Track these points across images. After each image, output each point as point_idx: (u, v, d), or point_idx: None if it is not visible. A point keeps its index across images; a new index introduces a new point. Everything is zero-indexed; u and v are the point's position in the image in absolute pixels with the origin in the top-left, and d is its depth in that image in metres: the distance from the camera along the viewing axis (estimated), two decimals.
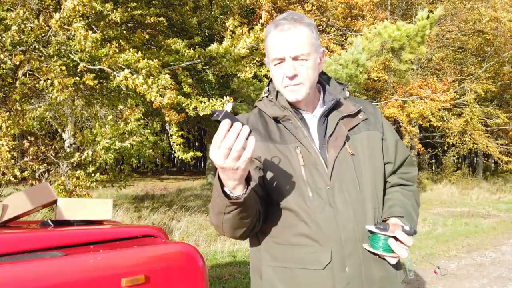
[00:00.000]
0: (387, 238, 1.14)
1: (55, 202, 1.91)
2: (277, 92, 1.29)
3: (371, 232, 1.17)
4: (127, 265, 1.42)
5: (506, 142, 18.40)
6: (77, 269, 1.30)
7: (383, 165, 1.29)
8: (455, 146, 18.06)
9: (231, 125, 0.93)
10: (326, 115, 1.26)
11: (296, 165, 1.18)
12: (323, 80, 1.35)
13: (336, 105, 1.27)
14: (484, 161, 24.32)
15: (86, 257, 1.36)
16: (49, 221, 1.89)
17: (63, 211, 1.87)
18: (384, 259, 1.19)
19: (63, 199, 1.91)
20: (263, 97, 1.33)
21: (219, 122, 0.94)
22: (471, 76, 17.00)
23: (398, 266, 1.26)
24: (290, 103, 1.25)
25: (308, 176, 1.17)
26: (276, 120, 1.27)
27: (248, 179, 1.03)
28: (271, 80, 1.34)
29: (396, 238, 1.14)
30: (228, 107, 0.97)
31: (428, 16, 8.00)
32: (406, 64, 8.90)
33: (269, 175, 1.19)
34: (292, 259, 1.17)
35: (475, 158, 25.65)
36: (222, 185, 1.02)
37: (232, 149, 0.92)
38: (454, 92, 14.56)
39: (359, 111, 1.28)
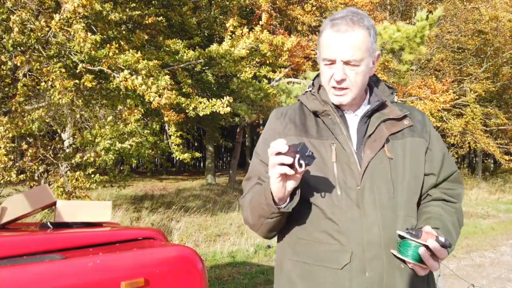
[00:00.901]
0: (418, 246, 1.06)
1: (54, 204, 1.90)
2: (320, 86, 1.28)
3: (401, 237, 1.11)
4: (127, 268, 1.42)
5: (506, 141, 18.43)
6: (76, 273, 1.30)
7: (423, 174, 1.22)
8: (454, 146, 18.07)
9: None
10: (368, 115, 1.23)
11: (328, 162, 1.17)
12: (371, 81, 1.31)
13: (381, 107, 1.23)
14: (484, 161, 24.33)
15: (85, 260, 1.35)
16: (48, 223, 1.89)
17: (62, 213, 1.87)
18: (413, 270, 1.12)
19: (62, 201, 1.91)
20: (306, 91, 1.32)
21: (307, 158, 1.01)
22: (470, 76, 17.02)
23: (426, 281, 1.19)
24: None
25: (339, 174, 1.15)
26: (316, 114, 1.25)
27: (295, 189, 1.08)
28: (317, 75, 1.32)
29: (428, 248, 1.06)
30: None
31: (427, 17, 8.01)
32: (405, 65, 8.90)
33: None
34: (311, 255, 1.16)
35: (474, 158, 25.66)
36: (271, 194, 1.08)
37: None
38: (454, 92, 14.58)
39: (404, 117, 1.23)
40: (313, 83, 1.32)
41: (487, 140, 16.39)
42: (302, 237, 1.19)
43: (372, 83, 1.30)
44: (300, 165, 0.99)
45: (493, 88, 17.01)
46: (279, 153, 1.00)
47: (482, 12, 15.08)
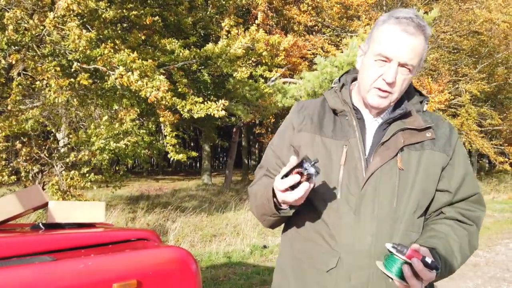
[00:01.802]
0: (403, 262, 1.02)
1: (46, 205, 1.88)
2: (343, 84, 1.24)
3: (389, 251, 1.07)
4: (119, 270, 1.40)
5: (501, 142, 18.54)
6: (67, 275, 1.27)
7: (434, 190, 1.16)
8: None
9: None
10: (389, 123, 1.17)
11: (335, 164, 1.14)
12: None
13: (404, 115, 1.17)
14: (479, 161, 24.48)
15: (76, 262, 1.33)
16: (40, 224, 1.86)
17: (54, 214, 1.84)
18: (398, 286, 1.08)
19: (55, 202, 1.88)
20: (332, 87, 1.27)
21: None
22: (465, 77, 17.11)
23: None
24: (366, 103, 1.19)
25: (344, 178, 1.13)
26: (335, 112, 1.22)
27: None
28: (346, 72, 1.27)
29: (412, 266, 1.00)
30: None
31: (422, 18, 8.03)
32: None
33: None
34: (304, 252, 1.18)
35: (469, 159, 25.77)
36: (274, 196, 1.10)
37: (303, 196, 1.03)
38: (449, 93, 14.65)
39: (427, 128, 1.16)
40: (339, 79, 1.27)
41: (482, 141, 16.49)
42: (300, 233, 1.21)
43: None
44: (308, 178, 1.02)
45: (488, 89, 17.11)
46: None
47: (476, 13, 15.15)
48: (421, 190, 1.13)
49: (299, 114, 1.27)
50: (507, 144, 18.05)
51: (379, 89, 1.12)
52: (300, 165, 1.00)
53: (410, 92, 1.24)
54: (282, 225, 1.31)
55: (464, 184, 1.19)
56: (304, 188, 1.00)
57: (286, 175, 1.02)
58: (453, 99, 15.85)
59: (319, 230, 1.15)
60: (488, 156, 17.34)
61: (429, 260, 1.00)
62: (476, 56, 17.37)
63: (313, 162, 0.99)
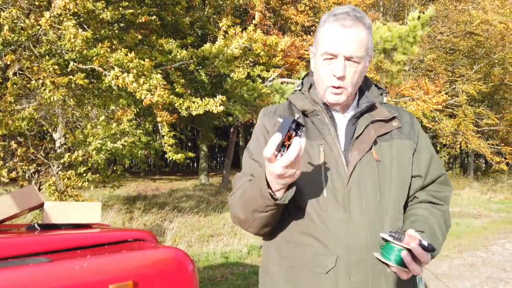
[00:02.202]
0: (401, 250, 1.04)
1: (42, 205, 1.87)
2: (310, 85, 1.25)
3: (385, 240, 1.09)
4: (115, 271, 1.39)
5: (497, 142, 18.62)
6: (62, 276, 1.26)
7: (410, 177, 1.21)
8: (446, 146, 18.23)
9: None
10: (357, 117, 1.21)
11: (316, 163, 1.14)
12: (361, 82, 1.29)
13: (370, 108, 1.21)
14: (475, 161, 24.57)
15: (72, 263, 1.32)
16: (36, 225, 1.85)
17: (50, 215, 1.83)
18: (395, 272, 1.10)
19: (51, 202, 1.87)
20: (296, 90, 1.28)
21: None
22: (462, 77, 17.18)
23: (412, 285, 1.18)
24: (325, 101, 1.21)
25: (326, 175, 1.12)
26: (304, 113, 1.22)
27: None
28: (306, 74, 1.29)
29: (410, 251, 1.03)
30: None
31: (419, 17, 8.05)
32: (398, 65, 8.94)
33: None
34: (296, 258, 1.13)
35: (466, 159, 25.90)
36: (268, 187, 1.02)
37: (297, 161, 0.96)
38: (446, 93, 14.69)
39: (393, 118, 1.21)
40: (302, 82, 1.30)
41: (479, 141, 16.55)
42: (287, 239, 1.16)
43: (362, 83, 1.28)
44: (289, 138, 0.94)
45: (485, 89, 17.18)
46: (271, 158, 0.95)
47: (472, 14, 15.22)
48: (399, 179, 1.17)
49: (269, 118, 1.26)
50: (503, 144, 18.14)
51: (333, 86, 1.15)
52: (286, 130, 0.94)
53: (369, 85, 1.29)
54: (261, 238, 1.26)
55: (431, 166, 1.24)
56: (298, 143, 0.93)
57: (279, 149, 0.94)
58: (450, 99, 15.89)
59: (310, 231, 1.12)
60: (485, 156, 17.42)
61: (425, 243, 1.03)
62: (473, 57, 17.45)
63: (294, 120, 0.94)
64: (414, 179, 1.22)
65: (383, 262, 1.08)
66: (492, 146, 17.59)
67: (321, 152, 1.15)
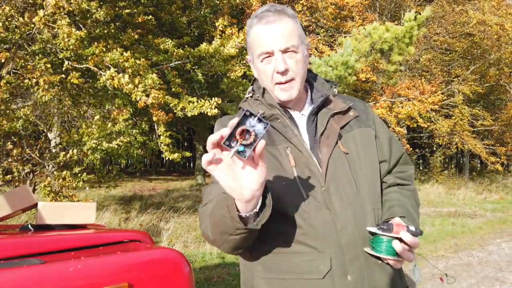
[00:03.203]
0: (391, 240, 1.04)
1: (35, 205, 1.84)
2: (263, 90, 1.21)
3: (372, 234, 1.08)
4: (110, 273, 1.36)
5: (492, 142, 18.73)
6: (56, 278, 1.24)
7: (378, 163, 1.21)
8: (442, 146, 18.31)
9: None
10: (315, 113, 1.19)
11: (287, 167, 1.10)
12: (309, 77, 1.27)
13: (325, 102, 1.20)
14: (471, 161, 24.70)
15: (66, 265, 1.30)
16: (29, 226, 1.82)
17: (44, 215, 1.81)
18: (388, 264, 1.09)
19: (44, 202, 1.84)
20: (247, 98, 1.25)
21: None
22: (458, 78, 17.26)
23: (400, 272, 1.17)
24: (278, 102, 1.18)
25: (301, 178, 1.09)
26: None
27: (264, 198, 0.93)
28: (255, 79, 1.26)
29: (401, 240, 1.03)
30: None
31: (415, 18, 8.07)
32: (394, 65, 8.96)
33: None
34: (287, 269, 1.07)
35: (461, 159, 26.04)
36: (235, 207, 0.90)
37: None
38: (442, 93, 14.75)
39: (349, 108, 1.21)
40: (252, 88, 1.25)
41: (474, 141, 16.64)
42: (272, 251, 1.09)
43: (311, 79, 1.27)
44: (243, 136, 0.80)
45: (480, 90, 17.27)
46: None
47: (470, 15, 15.28)
48: (369, 167, 1.17)
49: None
50: (498, 145, 18.24)
51: (280, 83, 1.13)
52: (242, 123, 0.82)
53: (318, 80, 1.28)
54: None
55: (392, 149, 1.26)
56: (261, 146, 0.81)
57: (228, 139, 0.80)
58: (445, 100, 15.96)
59: (297, 238, 1.07)
60: (480, 156, 17.51)
61: (413, 228, 1.04)
62: (469, 58, 17.53)
63: (257, 115, 0.83)
64: (381, 164, 1.23)
65: (374, 256, 1.08)
66: (487, 147, 17.69)
67: (289, 155, 1.12)
